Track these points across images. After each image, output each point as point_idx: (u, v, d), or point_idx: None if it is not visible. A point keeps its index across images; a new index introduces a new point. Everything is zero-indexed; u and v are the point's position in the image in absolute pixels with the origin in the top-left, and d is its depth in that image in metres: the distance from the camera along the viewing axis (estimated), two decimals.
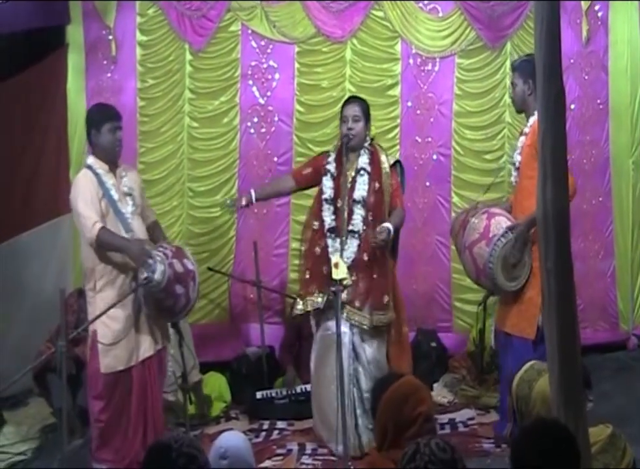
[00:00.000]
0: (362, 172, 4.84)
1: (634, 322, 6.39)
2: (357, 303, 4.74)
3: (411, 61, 6.15)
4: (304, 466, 4.77)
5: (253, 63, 6.12)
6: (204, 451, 2.55)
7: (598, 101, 6.26)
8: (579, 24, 6.13)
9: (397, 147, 6.11)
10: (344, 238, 4.72)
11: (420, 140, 6.18)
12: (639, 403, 5.12)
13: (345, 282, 4.52)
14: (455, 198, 6.19)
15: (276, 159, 6.18)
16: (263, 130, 6.18)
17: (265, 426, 5.35)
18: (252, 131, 6.19)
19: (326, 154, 5.03)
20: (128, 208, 4.48)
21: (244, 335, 6.22)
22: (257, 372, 5.72)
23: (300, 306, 4.87)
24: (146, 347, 4.46)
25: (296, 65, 6.13)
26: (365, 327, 4.75)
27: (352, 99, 5.07)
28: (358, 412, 4.76)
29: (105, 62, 6.02)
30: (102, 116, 4.50)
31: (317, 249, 4.83)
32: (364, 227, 4.77)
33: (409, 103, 6.19)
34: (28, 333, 5.54)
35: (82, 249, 4.49)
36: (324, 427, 4.87)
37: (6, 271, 5.64)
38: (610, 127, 6.27)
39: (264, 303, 5.99)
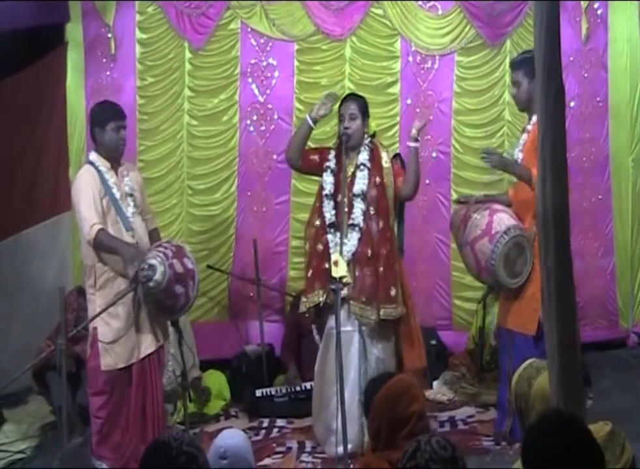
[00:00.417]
0: (361, 167, 4.80)
1: (634, 319, 6.37)
2: (363, 298, 4.66)
3: (411, 59, 6.15)
4: (303, 464, 4.76)
5: (252, 61, 6.13)
6: (204, 449, 2.54)
7: (598, 98, 6.25)
8: (579, 22, 6.12)
9: (397, 145, 6.08)
10: (345, 233, 4.67)
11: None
12: (638, 401, 5.12)
13: (345, 280, 4.46)
14: (454, 196, 6.17)
15: (275, 157, 6.17)
16: (263, 128, 6.18)
17: (265, 424, 5.34)
18: (252, 129, 6.19)
19: (328, 149, 5.00)
20: (129, 208, 4.47)
21: (243, 333, 6.22)
22: (256, 370, 5.71)
23: (304, 304, 4.80)
24: (148, 344, 4.46)
25: (296, 63, 6.14)
26: (372, 322, 4.65)
27: (349, 97, 5.00)
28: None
29: (104, 60, 6.04)
30: (107, 114, 4.47)
31: (320, 247, 4.78)
32: (365, 221, 4.72)
33: (409, 101, 6.19)
34: (28, 330, 5.54)
35: (82, 246, 4.49)
36: (321, 428, 4.85)
37: (6, 269, 5.63)
38: (609, 124, 6.26)
39: (263, 301, 5.99)
